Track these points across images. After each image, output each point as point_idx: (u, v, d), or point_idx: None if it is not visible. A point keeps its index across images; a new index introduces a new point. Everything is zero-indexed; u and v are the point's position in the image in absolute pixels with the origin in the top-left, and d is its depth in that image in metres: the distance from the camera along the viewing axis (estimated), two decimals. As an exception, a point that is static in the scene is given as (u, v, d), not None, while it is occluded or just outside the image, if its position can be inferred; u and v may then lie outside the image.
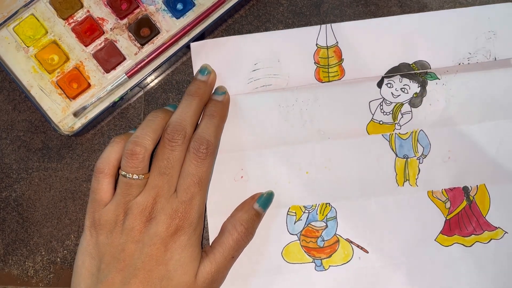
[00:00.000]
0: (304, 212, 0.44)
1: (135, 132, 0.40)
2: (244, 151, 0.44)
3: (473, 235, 0.43)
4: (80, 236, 0.44)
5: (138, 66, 0.43)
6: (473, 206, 0.43)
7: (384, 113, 0.44)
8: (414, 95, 0.44)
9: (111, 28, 0.44)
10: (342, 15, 0.46)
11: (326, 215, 0.44)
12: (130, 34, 0.44)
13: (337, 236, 0.44)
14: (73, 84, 0.44)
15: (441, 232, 0.43)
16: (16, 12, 0.44)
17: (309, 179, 0.44)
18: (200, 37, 0.44)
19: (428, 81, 0.44)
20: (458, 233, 0.43)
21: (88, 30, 0.44)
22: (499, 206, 0.43)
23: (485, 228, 0.43)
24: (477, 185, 0.44)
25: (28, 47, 0.44)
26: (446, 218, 0.43)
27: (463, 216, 0.43)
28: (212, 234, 0.43)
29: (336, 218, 0.44)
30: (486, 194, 0.44)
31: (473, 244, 0.43)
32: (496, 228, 0.43)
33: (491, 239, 0.43)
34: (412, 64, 0.44)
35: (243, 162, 0.44)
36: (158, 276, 0.38)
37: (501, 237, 0.43)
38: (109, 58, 0.44)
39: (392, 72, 0.44)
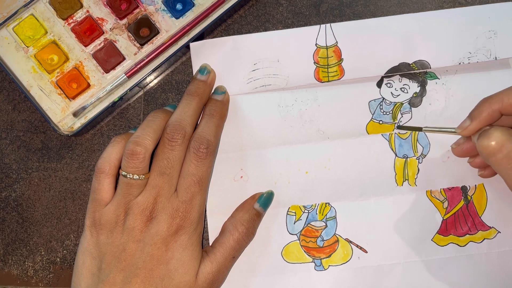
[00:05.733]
0: (303, 212, 0.44)
1: (136, 132, 0.40)
2: (243, 151, 0.44)
3: (467, 235, 0.43)
4: (80, 236, 0.45)
5: (138, 66, 0.44)
6: (470, 206, 0.44)
7: (384, 113, 0.44)
8: (414, 95, 0.44)
9: (110, 28, 0.44)
10: (342, 15, 0.46)
11: (326, 215, 0.44)
12: (129, 34, 0.44)
13: (337, 236, 0.44)
14: (73, 84, 0.44)
15: (438, 232, 0.43)
16: (15, 12, 0.44)
17: (309, 179, 0.44)
18: (200, 37, 0.44)
19: (428, 80, 0.44)
20: (453, 233, 0.43)
21: (88, 30, 0.44)
22: (495, 205, 0.43)
23: (480, 228, 0.43)
24: (475, 185, 0.44)
25: (27, 47, 0.44)
26: (443, 218, 0.43)
27: (460, 216, 0.43)
28: (212, 234, 0.43)
29: (335, 218, 0.44)
30: (484, 194, 0.44)
31: (467, 244, 0.43)
32: (490, 227, 0.43)
33: (484, 238, 0.43)
34: (412, 63, 0.44)
35: (242, 162, 0.44)
36: (159, 276, 0.38)
37: (494, 237, 0.43)
38: (109, 58, 0.44)
39: (392, 71, 0.44)
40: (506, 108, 0.37)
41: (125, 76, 0.43)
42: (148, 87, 0.46)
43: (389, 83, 0.44)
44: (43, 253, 0.45)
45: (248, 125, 0.44)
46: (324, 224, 0.44)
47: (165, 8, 0.44)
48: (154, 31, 0.44)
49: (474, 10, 0.44)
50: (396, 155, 0.44)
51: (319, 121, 0.44)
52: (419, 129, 0.42)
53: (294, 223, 0.44)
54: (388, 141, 0.44)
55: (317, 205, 0.44)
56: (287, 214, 0.44)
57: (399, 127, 0.44)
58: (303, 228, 0.44)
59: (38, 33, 0.44)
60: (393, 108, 0.44)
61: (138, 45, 0.44)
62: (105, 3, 0.44)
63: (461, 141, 0.42)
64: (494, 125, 0.38)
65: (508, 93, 0.38)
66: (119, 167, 0.40)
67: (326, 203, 0.44)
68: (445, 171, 0.44)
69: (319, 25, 0.44)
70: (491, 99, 0.38)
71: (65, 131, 0.44)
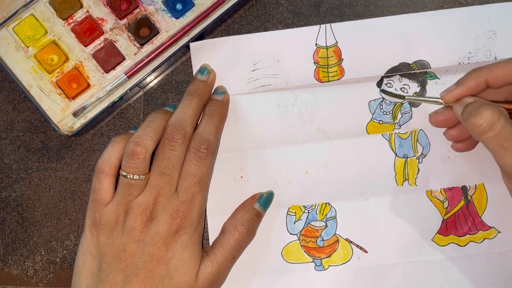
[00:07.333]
0: (303, 212, 0.44)
1: (136, 133, 0.40)
2: (243, 151, 0.44)
3: (467, 235, 0.43)
4: (80, 236, 0.45)
5: (138, 66, 0.44)
6: (470, 206, 0.44)
7: (384, 113, 0.44)
8: (414, 95, 0.44)
9: (110, 28, 0.44)
10: (342, 15, 0.46)
11: (326, 214, 0.44)
12: (129, 34, 0.44)
13: (337, 235, 0.44)
14: (73, 84, 0.44)
15: (438, 232, 0.43)
16: (15, 12, 0.44)
17: (309, 179, 0.44)
18: (200, 37, 0.44)
19: (428, 80, 0.44)
20: (453, 233, 0.43)
21: (88, 30, 0.44)
22: (495, 205, 0.43)
23: (480, 228, 0.43)
24: (475, 185, 0.44)
25: (27, 47, 0.44)
26: (443, 218, 0.43)
27: (460, 216, 0.44)
28: (212, 234, 0.43)
29: (335, 218, 0.44)
30: (484, 194, 0.44)
31: (467, 243, 0.43)
32: (490, 227, 0.43)
33: (484, 238, 0.43)
34: (412, 63, 0.44)
35: (242, 162, 0.44)
36: (159, 276, 0.38)
37: (494, 237, 0.43)
38: (109, 58, 0.44)
39: (392, 71, 0.44)
40: (493, 79, 0.38)
41: (125, 76, 0.43)
42: (148, 87, 0.46)
43: (389, 83, 0.44)
44: (43, 253, 0.45)
45: (248, 125, 0.44)
46: (324, 224, 0.44)
47: (165, 8, 0.44)
48: (154, 31, 0.44)
49: (474, 10, 0.44)
50: (396, 155, 0.44)
51: (319, 121, 0.44)
52: (402, 97, 0.43)
53: (294, 223, 0.44)
54: (388, 141, 0.44)
55: (317, 205, 0.44)
56: (287, 214, 0.44)
57: (383, 91, 0.44)
58: (303, 228, 0.44)
59: (38, 33, 0.44)
60: (393, 108, 0.44)
61: (138, 45, 0.44)
62: (105, 3, 0.44)
63: (440, 110, 0.42)
64: (478, 96, 0.39)
65: (497, 65, 0.38)
66: (119, 167, 0.40)
67: (326, 203, 0.44)
68: (445, 171, 0.44)
69: (319, 25, 0.44)
70: (480, 68, 0.39)
71: (65, 131, 0.44)
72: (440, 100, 0.40)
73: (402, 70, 0.44)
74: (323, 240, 0.44)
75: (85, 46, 0.44)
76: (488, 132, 0.35)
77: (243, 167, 0.44)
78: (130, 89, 0.44)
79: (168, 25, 0.44)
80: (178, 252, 0.39)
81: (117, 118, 0.46)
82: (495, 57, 0.43)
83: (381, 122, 0.44)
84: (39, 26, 0.44)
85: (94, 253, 0.39)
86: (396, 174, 0.44)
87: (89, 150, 0.46)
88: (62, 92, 0.44)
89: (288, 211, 0.44)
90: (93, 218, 0.40)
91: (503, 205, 0.43)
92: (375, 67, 0.44)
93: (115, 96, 0.44)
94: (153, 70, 0.44)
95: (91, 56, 0.44)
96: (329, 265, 0.44)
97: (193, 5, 0.44)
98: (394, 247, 0.43)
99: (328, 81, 0.44)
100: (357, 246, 0.44)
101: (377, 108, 0.44)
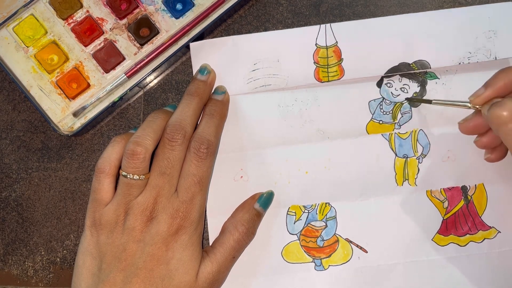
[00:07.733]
0: (303, 212, 0.44)
1: (136, 133, 0.40)
2: (243, 151, 0.44)
3: (468, 235, 0.43)
4: (80, 236, 0.45)
5: (138, 66, 0.43)
6: (470, 206, 0.44)
7: (384, 113, 0.44)
8: (414, 95, 0.44)
9: (110, 28, 0.44)
10: (342, 15, 0.46)
11: (326, 214, 0.44)
12: (129, 34, 0.44)
13: (337, 235, 0.44)
14: (73, 84, 0.44)
15: (438, 232, 0.43)
16: (15, 12, 0.44)
17: (309, 179, 0.44)
18: (200, 37, 0.44)
19: (428, 80, 0.44)
20: (453, 232, 0.43)
21: (88, 30, 0.44)
22: (495, 205, 0.43)
23: (480, 227, 0.43)
24: (475, 185, 0.44)
25: (27, 47, 0.44)
26: (443, 218, 0.43)
27: (460, 216, 0.44)
28: (212, 234, 0.43)
29: (335, 217, 0.44)
30: (484, 194, 0.44)
31: (468, 243, 0.43)
32: (490, 227, 0.43)
33: (484, 238, 0.43)
34: (411, 63, 0.44)
35: (242, 162, 0.44)
36: (159, 275, 0.38)
37: (494, 237, 0.43)
38: (109, 58, 0.44)
39: (392, 71, 0.44)
40: None
41: (125, 76, 0.43)
42: (148, 87, 0.46)
43: (389, 83, 0.44)
44: (43, 253, 0.45)
45: (248, 125, 0.44)
46: (324, 224, 0.44)
47: (165, 8, 0.44)
48: (154, 31, 0.44)
49: (474, 10, 0.44)
50: (396, 155, 0.44)
51: (319, 121, 0.44)
52: (429, 101, 0.42)
53: (294, 223, 0.44)
54: (388, 141, 0.44)
55: (317, 205, 0.44)
56: (287, 214, 0.44)
57: (408, 99, 0.44)
58: (303, 228, 0.44)
59: (38, 33, 0.44)
60: (393, 108, 0.44)
61: (138, 45, 0.44)
62: (105, 3, 0.44)
63: (470, 117, 0.41)
64: (507, 97, 0.38)
65: None
66: (119, 167, 0.40)
67: (326, 203, 0.44)
68: (445, 171, 0.44)
69: (319, 25, 0.44)
70: (507, 68, 0.38)
71: (65, 131, 0.44)
72: (468, 104, 0.39)
73: (402, 70, 0.44)
74: (323, 240, 0.44)
75: (85, 46, 0.44)
76: (509, 123, 0.34)
77: (243, 167, 0.44)
78: (130, 89, 0.44)
79: (168, 25, 0.44)
80: (178, 252, 0.39)
81: (117, 118, 0.46)
82: (495, 57, 0.43)
83: (381, 122, 0.44)
84: (39, 26, 0.44)
85: (94, 253, 0.39)
86: (396, 174, 0.44)
87: (89, 150, 0.46)
88: (62, 92, 0.44)
89: (288, 211, 0.44)
90: (93, 218, 0.40)
91: (503, 205, 0.43)
92: (375, 67, 0.44)
93: (115, 96, 0.44)
94: (153, 70, 0.44)
95: (91, 56, 0.44)
96: (329, 265, 0.44)
97: (193, 5, 0.44)
98: (394, 247, 0.43)
99: (328, 81, 0.44)
100: (357, 246, 0.44)
101: (377, 108, 0.44)
